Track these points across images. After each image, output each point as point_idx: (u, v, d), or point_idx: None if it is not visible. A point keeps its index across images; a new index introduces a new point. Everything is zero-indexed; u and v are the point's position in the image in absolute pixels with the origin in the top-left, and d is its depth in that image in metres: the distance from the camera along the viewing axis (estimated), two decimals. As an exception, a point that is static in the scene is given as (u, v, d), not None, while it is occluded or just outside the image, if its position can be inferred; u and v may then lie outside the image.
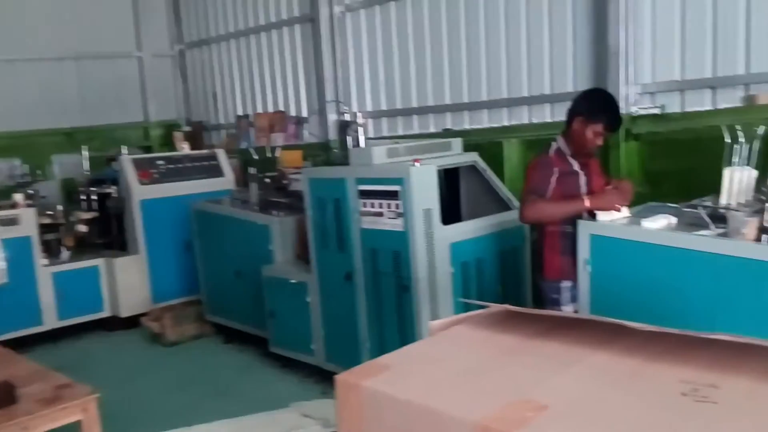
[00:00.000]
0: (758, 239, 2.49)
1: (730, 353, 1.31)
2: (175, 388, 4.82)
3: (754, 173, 2.86)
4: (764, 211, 2.46)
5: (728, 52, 4.33)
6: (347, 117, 4.69)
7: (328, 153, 6.42)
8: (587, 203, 3.06)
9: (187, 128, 8.62)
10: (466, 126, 5.88)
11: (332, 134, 6.78)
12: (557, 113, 5.09)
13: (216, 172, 6.68)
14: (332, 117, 6.82)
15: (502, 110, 5.66)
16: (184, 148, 7.18)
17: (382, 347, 4.02)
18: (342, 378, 1.41)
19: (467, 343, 1.58)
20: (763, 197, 2.50)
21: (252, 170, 5.54)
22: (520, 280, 4.33)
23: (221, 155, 6.84)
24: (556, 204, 3.16)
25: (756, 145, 2.87)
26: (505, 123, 5.63)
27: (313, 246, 4.45)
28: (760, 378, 1.23)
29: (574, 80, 5.14)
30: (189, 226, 5.98)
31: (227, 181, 6.63)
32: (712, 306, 2.57)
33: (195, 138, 8.25)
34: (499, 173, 4.84)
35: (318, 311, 4.54)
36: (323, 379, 4.44)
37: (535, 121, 5.42)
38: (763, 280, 2.42)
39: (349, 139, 4.50)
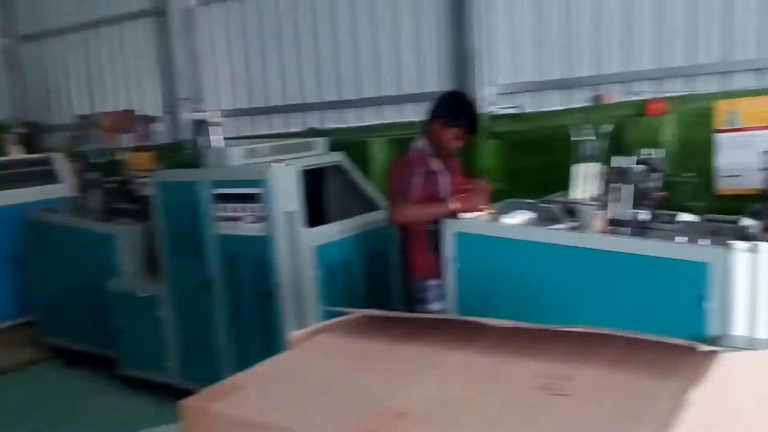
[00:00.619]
0: (606, 231, 2.67)
1: (583, 344, 1.36)
2: (7, 423, 4.36)
3: (602, 168, 3.07)
4: (610, 203, 2.64)
5: (577, 54, 4.67)
6: (202, 116, 4.48)
7: (181, 154, 6.13)
8: (452, 206, 3.14)
9: (20, 130, 7.88)
10: (332, 125, 5.85)
11: (185, 134, 6.49)
12: (422, 112, 5.19)
13: (51, 178, 6.15)
14: (185, 116, 6.52)
15: (367, 109, 5.70)
16: (16, 152, 6.56)
17: (245, 360, 3.84)
18: (187, 403, 1.31)
19: (328, 353, 1.53)
20: (611, 180, 2.69)
21: (93, 175, 5.14)
22: (389, 281, 4.35)
23: (58, 159, 6.31)
24: (422, 207, 3.23)
25: (602, 142, 3.08)
26: (371, 122, 5.67)
27: (164, 255, 4.20)
28: (608, 366, 1.28)
29: (437, 80, 5.29)
30: (20, 240, 5.44)
31: (65, 187, 6.12)
32: (569, 296, 2.71)
33: (30, 140, 7.57)
34: (366, 173, 4.86)
35: (171, 326, 4.29)
36: (180, 399, 4.19)
37: (400, 120, 5.51)
38: (611, 269, 2.59)
39: (204, 140, 4.29)
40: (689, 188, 2.93)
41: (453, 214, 3.15)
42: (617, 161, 2.67)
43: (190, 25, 6.54)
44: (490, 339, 1.46)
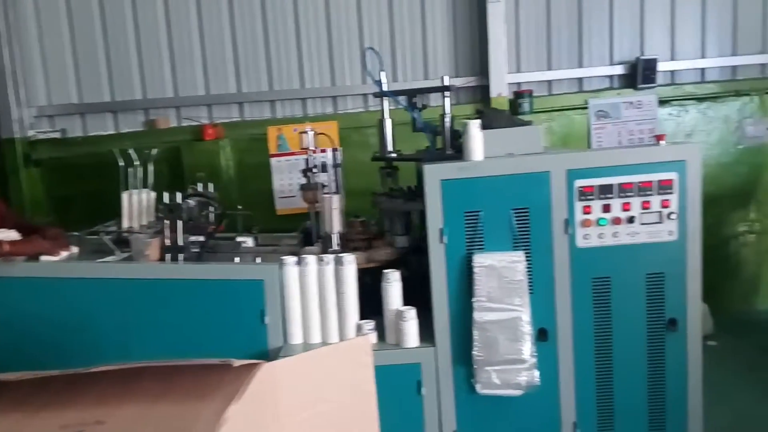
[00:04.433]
0: (162, 258, 2.64)
1: (123, 382, 1.30)
2: None
3: (153, 195, 3.05)
4: (164, 231, 2.62)
5: (125, 77, 4.61)
6: None
7: None
8: (6, 247, 2.67)
9: None
10: None
11: None
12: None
13: None
14: None
15: None
16: None
17: None
18: None
19: None
20: (163, 217, 2.67)
21: None
22: None
23: None
24: None
25: (154, 168, 3.07)
26: None
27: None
28: (149, 400, 1.25)
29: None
30: None
31: None
32: (126, 332, 2.59)
33: None
34: None
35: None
36: None
37: None
38: (172, 298, 2.58)
39: None
40: (242, 218, 3.14)
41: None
42: (167, 197, 2.65)
43: None
44: (13, 395, 1.28)
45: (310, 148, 2.91)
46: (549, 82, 4.90)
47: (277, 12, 4.68)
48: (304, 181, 2.97)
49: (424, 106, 2.91)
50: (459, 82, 4.77)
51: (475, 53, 4.80)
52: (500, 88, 4.71)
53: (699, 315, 2.57)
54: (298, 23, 4.70)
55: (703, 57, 4.89)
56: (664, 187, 2.49)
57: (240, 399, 1.23)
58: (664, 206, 2.49)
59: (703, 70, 4.92)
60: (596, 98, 4.74)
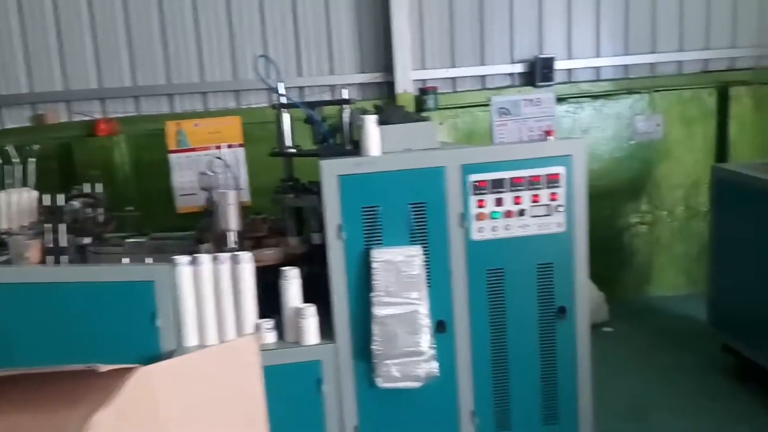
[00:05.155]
0: (43, 261, 2.52)
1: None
2: None
3: (34, 194, 2.88)
4: (46, 232, 2.50)
5: (8, 68, 4.35)
6: None
7: None
8: None
9: None
10: None
11: None
12: None
13: None
14: None
15: None
16: None
17: None
18: None
19: None
20: (45, 218, 2.54)
21: None
22: None
23: None
24: None
25: (33, 164, 2.91)
26: None
27: None
28: (17, 409, 1.19)
29: None
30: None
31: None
32: (7, 339, 2.46)
33: None
34: None
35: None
36: None
37: None
38: (53, 302, 2.46)
39: None
40: (134, 218, 3.03)
41: None
42: (47, 199, 2.51)
43: None
44: None
45: (213, 187, 2.88)
46: (453, 79, 4.99)
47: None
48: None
49: (324, 119, 2.91)
50: (365, 78, 4.79)
51: (380, 49, 4.83)
52: (405, 84, 4.76)
53: (587, 302, 2.71)
54: (196, 12, 4.56)
55: (597, 56, 5.12)
56: (552, 180, 2.60)
57: (108, 405, 1.18)
58: (553, 199, 2.60)
59: (597, 68, 5.16)
60: (498, 95, 4.84)
